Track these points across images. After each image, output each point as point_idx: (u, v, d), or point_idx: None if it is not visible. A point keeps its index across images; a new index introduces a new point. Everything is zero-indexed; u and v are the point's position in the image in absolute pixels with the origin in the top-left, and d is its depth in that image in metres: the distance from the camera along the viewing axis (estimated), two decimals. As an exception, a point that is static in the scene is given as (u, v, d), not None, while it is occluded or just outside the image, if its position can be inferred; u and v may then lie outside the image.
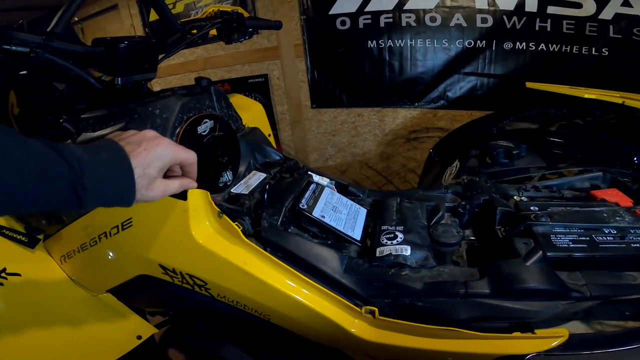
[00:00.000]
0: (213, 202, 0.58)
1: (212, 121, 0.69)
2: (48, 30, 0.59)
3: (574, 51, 1.44)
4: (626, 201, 0.66)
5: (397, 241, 0.63)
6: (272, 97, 2.14)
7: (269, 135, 1.33)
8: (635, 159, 0.78)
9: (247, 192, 0.70)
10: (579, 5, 1.38)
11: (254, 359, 0.86)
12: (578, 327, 0.55)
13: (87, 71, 0.64)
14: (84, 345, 0.69)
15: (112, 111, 0.62)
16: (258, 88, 2.15)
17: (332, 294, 0.59)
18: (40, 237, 0.70)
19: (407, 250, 0.61)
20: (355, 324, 0.59)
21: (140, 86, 0.75)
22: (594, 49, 1.40)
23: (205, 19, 0.98)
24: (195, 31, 0.93)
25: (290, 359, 0.84)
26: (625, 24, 1.33)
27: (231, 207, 0.64)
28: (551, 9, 1.42)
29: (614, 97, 0.86)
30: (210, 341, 0.94)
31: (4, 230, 0.65)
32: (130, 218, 0.59)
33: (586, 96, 0.91)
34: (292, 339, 0.69)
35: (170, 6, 2.26)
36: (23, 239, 0.66)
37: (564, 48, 1.45)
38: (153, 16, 2.29)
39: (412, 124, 1.85)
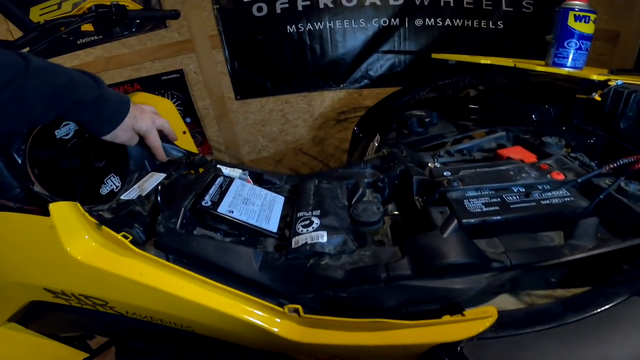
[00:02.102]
0: (87, 214, 0.49)
1: (74, 123, 0.59)
2: None
3: (474, 25, 1.51)
4: (530, 157, 0.68)
5: (313, 227, 0.58)
6: (192, 92, 2.00)
7: (184, 132, 1.23)
8: (533, 116, 0.82)
9: (135, 197, 0.61)
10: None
11: (193, 374, 0.79)
12: (508, 300, 0.53)
13: None
14: None
15: None
16: (174, 85, 1.99)
17: (249, 296, 0.52)
18: None
19: (323, 237, 0.55)
20: (281, 324, 0.53)
21: None
22: (490, 22, 1.48)
23: (76, 15, 0.85)
24: (63, 28, 0.81)
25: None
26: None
27: (116, 217, 0.55)
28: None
29: (506, 62, 0.90)
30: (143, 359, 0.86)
31: None
32: None
33: (482, 62, 0.94)
34: (226, 347, 0.62)
35: (55, 7, 1.99)
36: None
37: (465, 22, 1.52)
38: (34, 19, 1.99)
39: (340, 105, 1.84)
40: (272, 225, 0.62)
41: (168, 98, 1.94)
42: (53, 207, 0.46)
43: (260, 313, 0.53)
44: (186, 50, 1.92)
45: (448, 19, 1.53)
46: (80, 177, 0.59)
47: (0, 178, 0.50)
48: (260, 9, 1.77)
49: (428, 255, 0.50)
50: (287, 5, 1.73)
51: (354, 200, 0.68)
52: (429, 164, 0.73)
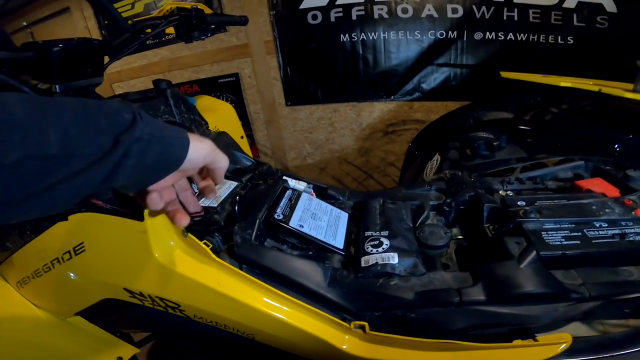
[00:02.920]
0: None
1: None
2: None
3: (540, 40, 1.45)
4: (612, 191, 0.65)
5: (383, 248, 0.59)
6: (245, 96, 2.07)
7: (242, 137, 1.27)
8: (616, 146, 0.77)
9: (216, 205, 0.64)
10: (543, -6, 1.38)
11: (240, 378, 0.81)
12: (579, 328, 0.53)
13: (21, 79, 0.56)
14: None
15: None
16: (229, 88, 2.07)
17: (317, 310, 0.54)
18: None
19: (394, 259, 0.57)
20: (345, 340, 0.55)
21: (86, 92, 0.67)
22: (559, 37, 1.41)
23: (160, 17, 0.90)
24: (149, 30, 0.86)
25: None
26: (588, 12, 1.35)
27: (198, 224, 0.58)
28: (517, -2, 1.42)
29: (589, 85, 0.85)
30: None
31: None
32: (82, 242, 0.53)
33: (562, 84, 0.89)
34: (280, 355, 0.64)
35: (129, 7, 2.12)
36: None
37: (531, 37, 1.46)
38: (112, 17, 2.15)
39: (389, 117, 1.82)
40: (339, 242, 0.64)
41: (222, 100, 2.01)
42: (148, 212, 0.49)
43: (326, 327, 0.55)
44: (242, 54, 1.99)
45: (511, 33, 1.48)
46: None
47: None
48: (315, 17, 1.79)
49: (504, 283, 0.51)
50: (341, 15, 1.73)
51: (419, 222, 0.68)
52: (499, 191, 0.71)
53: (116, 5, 2.10)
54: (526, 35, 1.46)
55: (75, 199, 0.32)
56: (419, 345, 0.52)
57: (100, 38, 2.19)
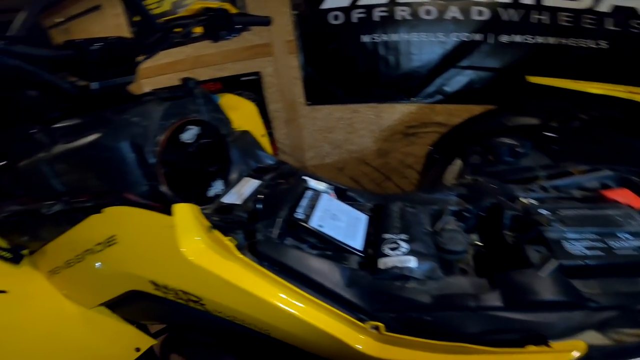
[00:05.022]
0: (203, 216, 0.54)
1: (197, 127, 0.65)
2: (8, 34, 0.53)
3: (570, 44, 1.41)
4: (639, 202, 0.63)
5: (402, 251, 0.60)
6: (265, 95, 2.09)
7: (263, 135, 1.29)
8: (646, 156, 0.75)
9: (239, 202, 0.66)
10: (575, -3, 1.34)
11: (254, 373, 0.83)
12: (594, 337, 0.52)
13: (59, 76, 0.59)
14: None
15: (87, 120, 0.57)
16: (250, 86, 2.10)
17: (334, 309, 0.56)
18: (25, 252, 0.65)
19: (413, 262, 0.58)
20: (360, 339, 0.56)
21: (119, 90, 0.70)
22: (592, 41, 1.37)
23: (189, 17, 0.92)
24: (179, 30, 0.88)
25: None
26: (623, 16, 1.30)
27: (222, 220, 0.60)
28: (547, 1, 1.38)
29: (620, 92, 0.83)
30: (209, 353, 0.91)
31: None
32: (114, 235, 0.55)
33: (592, 91, 0.87)
34: (294, 352, 0.65)
35: (156, 5, 2.18)
36: (6, 255, 0.62)
37: (561, 41, 1.42)
38: (136, 16, 2.21)
39: (409, 119, 1.81)
40: (358, 243, 0.65)
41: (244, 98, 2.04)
42: (177, 207, 0.52)
43: (342, 326, 0.56)
44: (264, 53, 2.01)
45: (540, 37, 1.44)
46: (196, 179, 0.65)
47: (132, 175, 0.57)
48: (336, 17, 1.79)
49: (523, 290, 0.51)
50: (363, 15, 1.73)
51: (438, 227, 0.69)
52: (522, 199, 0.70)
53: (144, 2, 2.16)
54: (556, 39, 1.42)
55: None
56: (433, 347, 0.52)
57: (131, 36, 2.26)
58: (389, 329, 0.55)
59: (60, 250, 0.62)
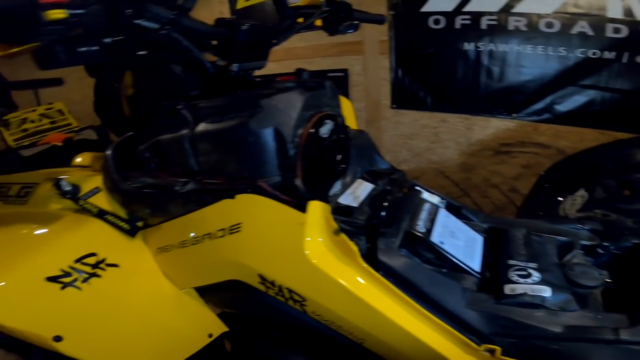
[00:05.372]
0: (332, 217, 0.52)
1: (332, 122, 0.63)
2: (179, 4, 0.55)
3: None
4: None
5: (533, 280, 0.56)
6: (350, 93, 2.07)
7: (356, 133, 1.26)
8: None
9: (356, 205, 0.63)
10: None
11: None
12: None
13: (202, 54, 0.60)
14: (159, 341, 0.68)
15: (234, 101, 0.58)
16: (336, 82, 2.07)
17: (449, 327, 0.54)
18: (140, 224, 0.68)
19: (546, 292, 0.54)
20: None
21: (248, 74, 0.71)
22: None
23: (312, 7, 0.92)
24: (301, 20, 0.88)
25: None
26: None
27: (346, 223, 0.57)
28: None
29: None
30: (279, 349, 0.91)
31: (107, 216, 0.64)
32: (240, 223, 0.55)
33: None
34: None
35: None
36: (125, 226, 0.65)
37: None
38: (240, 4, 2.31)
39: (505, 135, 1.67)
40: (476, 265, 0.62)
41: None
42: (312, 205, 0.50)
43: (452, 345, 0.54)
44: (355, 51, 1.98)
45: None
46: (324, 176, 0.63)
47: (269, 164, 0.56)
48: (437, 22, 1.71)
49: None
50: (468, 22, 1.63)
51: (566, 259, 0.63)
52: None
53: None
54: None
55: None
56: None
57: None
58: (505, 354, 0.53)
59: (179, 229, 0.63)
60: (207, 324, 0.73)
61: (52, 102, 3.03)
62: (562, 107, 1.50)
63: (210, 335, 0.73)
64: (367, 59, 1.97)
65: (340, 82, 2.08)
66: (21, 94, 3.06)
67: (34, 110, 2.93)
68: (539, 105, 1.55)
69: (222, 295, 0.71)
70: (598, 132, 1.42)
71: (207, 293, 0.72)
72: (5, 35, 0.42)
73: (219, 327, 0.75)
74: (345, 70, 2.06)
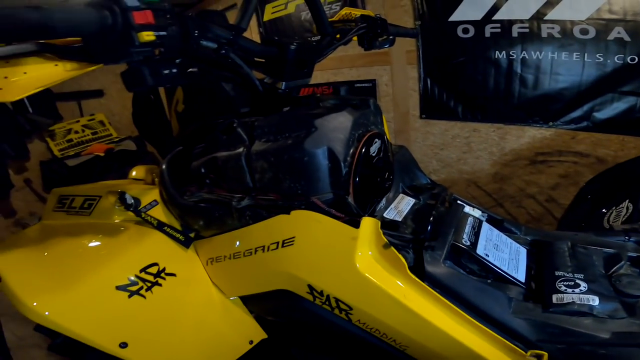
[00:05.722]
0: (382, 233, 0.54)
1: (380, 141, 0.65)
2: (236, 24, 0.58)
3: None
4: None
5: (581, 290, 0.57)
6: (379, 103, 2.08)
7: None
8: None
9: (400, 219, 0.65)
10: None
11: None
12: None
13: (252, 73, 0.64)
14: (206, 347, 0.71)
15: (288, 121, 0.60)
16: (364, 93, 2.11)
17: (495, 334, 0.55)
18: (192, 235, 0.72)
19: (594, 301, 0.55)
20: None
21: (294, 92, 0.74)
22: None
23: (349, 22, 0.94)
24: (338, 35, 0.90)
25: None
26: None
27: (394, 237, 0.59)
28: None
29: None
30: (317, 355, 0.92)
31: (166, 228, 0.68)
32: (294, 237, 0.57)
33: None
34: None
35: (282, 7, 2.32)
36: (180, 237, 0.69)
37: None
38: (267, 16, 2.39)
39: (542, 145, 1.63)
40: (521, 276, 0.63)
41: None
42: (366, 221, 0.52)
43: (500, 352, 0.55)
44: (382, 62, 2.00)
45: None
46: (372, 193, 0.65)
47: (322, 181, 0.58)
48: (466, 31, 1.70)
49: None
50: (498, 30, 1.61)
51: (613, 271, 0.64)
52: None
53: (273, 4, 2.31)
54: None
55: None
56: None
57: (258, 36, 2.45)
58: (552, 359, 0.53)
59: (232, 241, 0.66)
60: (249, 331, 0.76)
61: (93, 114, 3.22)
62: (601, 115, 1.45)
63: (250, 342, 0.76)
64: (395, 69, 1.98)
65: (368, 93, 2.10)
66: (65, 106, 3.28)
67: (77, 122, 3.12)
68: (576, 113, 1.50)
69: (268, 304, 0.73)
70: (639, 140, 1.36)
71: (252, 301, 0.74)
72: (99, 55, 0.45)
73: (259, 334, 0.77)
74: (373, 81, 2.08)
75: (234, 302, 0.74)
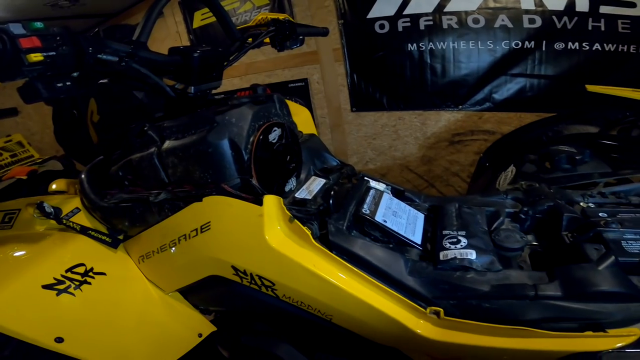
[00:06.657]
0: (285, 208, 0.61)
1: (279, 129, 0.72)
2: (134, 39, 0.63)
3: (631, 51, 1.37)
4: None
5: (461, 245, 0.64)
6: (312, 101, 2.18)
7: (315, 139, 1.36)
8: None
9: (310, 197, 0.73)
10: (632, 5, 1.31)
11: (308, 358, 0.89)
12: None
13: (162, 80, 0.68)
14: (152, 343, 0.73)
15: (193, 120, 0.66)
16: (298, 92, 2.19)
17: (397, 295, 0.61)
18: (121, 237, 0.74)
19: (472, 254, 0.62)
20: (420, 324, 0.61)
21: (206, 94, 0.79)
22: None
23: (259, 26, 1.01)
24: (250, 39, 0.97)
25: (343, 359, 0.85)
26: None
27: (300, 212, 0.67)
28: (604, 9, 1.36)
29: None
30: (266, 340, 0.97)
31: (90, 231, 0.70)
32: (209, 222, 0.63)
33: None
34: (347, 338, 0.70)
35: (211, 13, 2.31)
36: (107, 239, 0.71)
37: (620, 48, 1.38)
38: (196, 23, 2.38)
39: (456, 126, 1.82)
40: (417, 238, 0.71)
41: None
42: (267, 198, 0.59)
43: (403, 310, 0.62)
44: (312, 61, 2.10)
45: (597, 44, 1.41)
46: (278, 176, 0.72)
47: (229, 169, 0.65)
48: (382, 27, 1.84)
49: (581, 282, 0.55)
50: (409, 24, 1.76)
51: (494, 226, 0.72)
52: (580, 203, 0.72)
53: (203, 11, 2.31)
54: (614, 45, 1.39)
55: None
56: (492, 331, 0.56)
57: (188, 43, 2.43)
58: (448, 314, 0.59)
59: (157, 235, 0.70)
60: (196, 325, 0.79)
61: (10, 135, 2.95)
62: (499, 96, 1.66)
63: (200, 335, 0.79)
64: (324, 67, 2.08)
65: (302, 91, 2.19)
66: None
67: (-8, 145, 2.84)
68: (479, 96, 1.70)
69: (204, 293, 0.77)
70: (535, 115, 1.57)
71: (190, 294, 0.78)
72: None
73: (207, 327, 0.81)
74: (305, 80, 2.17)
75: (174, 297, 0.77)
